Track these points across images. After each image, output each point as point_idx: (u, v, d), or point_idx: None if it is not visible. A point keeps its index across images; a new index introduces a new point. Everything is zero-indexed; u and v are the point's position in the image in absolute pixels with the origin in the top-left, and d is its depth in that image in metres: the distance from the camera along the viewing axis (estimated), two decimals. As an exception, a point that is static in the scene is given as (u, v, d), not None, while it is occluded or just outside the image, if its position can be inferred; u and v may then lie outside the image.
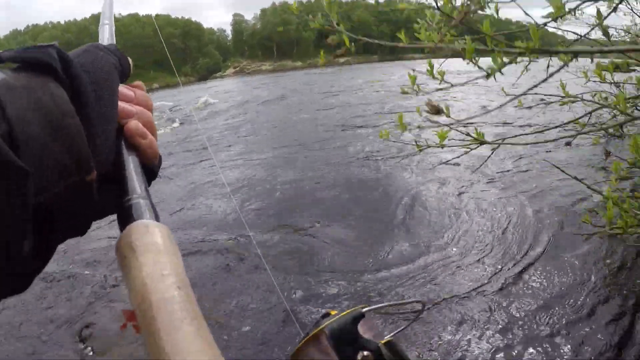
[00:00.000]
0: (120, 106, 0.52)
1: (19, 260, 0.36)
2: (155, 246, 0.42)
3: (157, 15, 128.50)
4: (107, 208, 0.51)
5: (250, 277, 4.43)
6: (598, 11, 2.27)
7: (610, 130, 4.03)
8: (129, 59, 0.58)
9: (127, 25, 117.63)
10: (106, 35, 0.71)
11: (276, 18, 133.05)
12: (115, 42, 0.66)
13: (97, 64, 0.49)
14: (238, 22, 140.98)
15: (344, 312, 0.60)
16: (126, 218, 0.45)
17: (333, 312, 0.65)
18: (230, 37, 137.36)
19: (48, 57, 0.42)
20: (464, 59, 1.84)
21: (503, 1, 2.16)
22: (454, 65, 2.95)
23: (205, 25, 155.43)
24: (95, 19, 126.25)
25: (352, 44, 2.73)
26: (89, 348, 3.72)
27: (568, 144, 6.70)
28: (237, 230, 5.46)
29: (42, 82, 0.40)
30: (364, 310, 0.56)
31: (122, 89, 0.55)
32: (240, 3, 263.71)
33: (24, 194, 0.34)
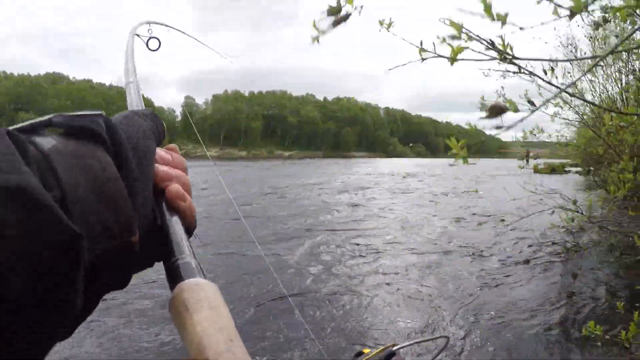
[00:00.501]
0: (161, 169, 0.56)
1: (72, 315, 0.38)
2: (207, 302, 0.45)
3: (110, 86, 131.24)
4: (146, 262, 0.55)
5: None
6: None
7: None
8: (163, 123, 0.61)
9: (81, 90, 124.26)
10: (134, 98, 0.82)
11: (228, 105, 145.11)
12: (143, 104, 0.78)
13: (136, 129, 0.53)
14: (189, 105, 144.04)
15: (377, 350, 0.66)
16: (176, 277, 0.48)
17: (366, 351, 0.69)
18: (179, 118, 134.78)
19: (96, 126, 0.45)
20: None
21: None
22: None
23: (157, 103, 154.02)
24: (49, 78, 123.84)
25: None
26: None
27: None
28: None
29: (91, 149, 0.44)
30: (394, 349, 0.61)
31: (160, 152, 0.58)
32: (193, 86, 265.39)
33: (78, 255, 0.36)
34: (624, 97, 8.78)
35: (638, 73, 8.10)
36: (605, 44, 8.01)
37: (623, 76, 9.05)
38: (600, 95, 9.74)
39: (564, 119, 8.07)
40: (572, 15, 1.46)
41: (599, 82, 9.51)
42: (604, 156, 11.95)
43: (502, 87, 6.39)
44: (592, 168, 18.09)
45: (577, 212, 5.37)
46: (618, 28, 7.19)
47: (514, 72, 5.79)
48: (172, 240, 0.53)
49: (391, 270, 6.87)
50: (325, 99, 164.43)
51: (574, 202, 6.17)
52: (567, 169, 28.59)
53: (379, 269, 6.94)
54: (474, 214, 12.48)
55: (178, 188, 0.57)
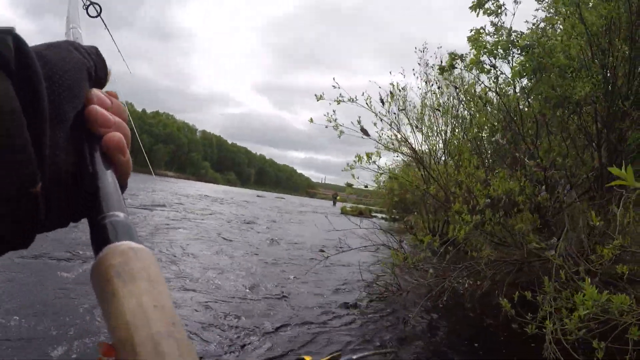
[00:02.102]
0: (100, 113, 0.48)
1: None
2: (145, 273, 0.39)
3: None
4: (59, 220, 0.48)
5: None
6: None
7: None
8: (106, 65, 0.54)
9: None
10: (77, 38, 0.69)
11: None
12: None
13: (64, 60, 0.45)
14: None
15: (326, 358, 0.80)
16: (105, 238, 0.41)
17: (308, 358, 0.90)
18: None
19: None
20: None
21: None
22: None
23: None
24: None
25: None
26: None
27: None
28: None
29: None
30: (355, 357, 0.74)
31: (98, 93, 0.51)
32: None
33: None
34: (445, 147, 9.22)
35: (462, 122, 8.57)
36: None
37: (448, 128, 9.51)
38: (422, 144, 10.13)
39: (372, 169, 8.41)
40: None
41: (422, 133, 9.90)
42: (413, 205, 12.58)
43: (334, 111, 6.48)
44: (396, 216, 19.91)
45: (403, 252, 5.33)
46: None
47: (349, 100, 6.44)
48: (102, 195, 0.45)
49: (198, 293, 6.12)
50: (144, 110, 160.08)
51: (400, 242, 6.25)
52: (373, 213, 30.04)
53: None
54: (292, 242, 12.24)
55: (119, 138, 0.49)
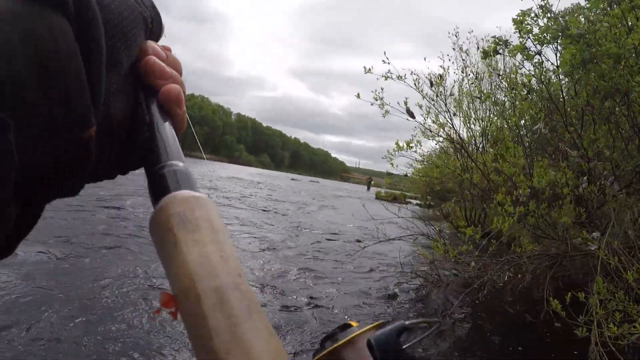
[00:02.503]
0: (157, 64, 0.47)
1: (4, 227, 0.33)
2: (209, 222, 0.38)
3: None
4: (109, 170, 0.46)
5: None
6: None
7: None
8: (161, 18, 0.52)
9: None
10: None
11: None
12: None
13: (121, 6, 0.43)
14: None
15: (376, 323, 0.56)
16: (166, 187, 0.40)
17: (354, 324, 0.61)
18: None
19: None
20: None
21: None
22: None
23: None
24: None
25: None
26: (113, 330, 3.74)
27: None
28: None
29: (40, 10, 0.33)
30: (407, 323, 0.53)
31: (154, 45, 0.49)
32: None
33: (4, 150, 0.29)
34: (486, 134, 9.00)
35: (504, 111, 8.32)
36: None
37: (488, 115, 9.27)
38: (462, 131, 9.89)
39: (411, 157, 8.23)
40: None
41: (460, 120, 9.67)
42: (450, 192, 12.35)
43: (382, 89, 6.26)
44: (431, 202, 19.58)
45: (444, 243, 5.19)
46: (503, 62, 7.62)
47: (397, 77, 6.26)
48: (161, 143, 0.43)
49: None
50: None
51: (439, 232, 6.13)
52: (407, 199, 29.55)
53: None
54: (329, 230, 11.89)
55: (178, 90, 0.48)
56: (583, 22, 4.12)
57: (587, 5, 5.68)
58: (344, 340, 0.65)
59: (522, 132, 6.48)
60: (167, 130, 0.45)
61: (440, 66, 6.97)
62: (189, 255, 0.35)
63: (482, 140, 9.10)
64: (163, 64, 0.48)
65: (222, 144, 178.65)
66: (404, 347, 0.63)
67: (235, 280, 0.35)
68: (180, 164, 0.42)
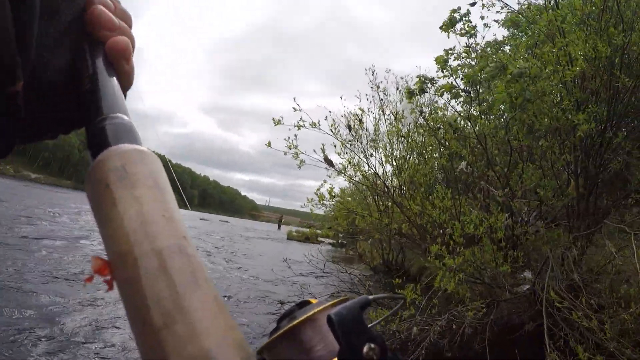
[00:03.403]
0: (104, 15, 0.43)
1: None
2: (153, 179, 0.34)
3: None
4: (48, 129, 0.44)
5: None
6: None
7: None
8: None
9: None
10: None
11: None
12: None
13: None
14: None
15: (338, 299, 0.54)
16: (103, 141, 0.36)
17: (313, 301, 0.57)
18: None
19: None
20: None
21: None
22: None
23: None
24: None
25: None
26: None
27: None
28: None
29: None
30: (371, 297, 0.48)
31: None
32: None
33: None
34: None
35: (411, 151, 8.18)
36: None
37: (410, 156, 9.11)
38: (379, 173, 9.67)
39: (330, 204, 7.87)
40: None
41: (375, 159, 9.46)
42: (362, 231, 12.06)
43: (296, 136, 5.76)
44: (343, 241, 19.41)
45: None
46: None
47: (311, 125, 5.82)
48: (103, 95, 0.40)
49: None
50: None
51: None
52: (320, 238, 29.27)
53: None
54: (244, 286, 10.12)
55: (125, 42, 0.44)
56: (521, 62, 3.96)
57: (508, 40, 5.65)
58: (302, 317, 0.56)
59: (448, 174, 6.30)
60: (111, 84, 0.41)
61: (360, 108, 6.74)
62: (126, 213, 0.31)
63: (399, 182, 8.88)
64: (111, 15, 0.44)
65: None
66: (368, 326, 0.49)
67: (180, 243, 0.31)
68: (125, 117, 0.39)
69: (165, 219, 0.32)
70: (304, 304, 0.62)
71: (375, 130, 9.01)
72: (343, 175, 7.47)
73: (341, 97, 6.94)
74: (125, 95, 0.44)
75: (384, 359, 0.45)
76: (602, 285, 4.03)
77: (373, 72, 7.63)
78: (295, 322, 0.56)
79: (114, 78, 0.42)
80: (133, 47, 0.46)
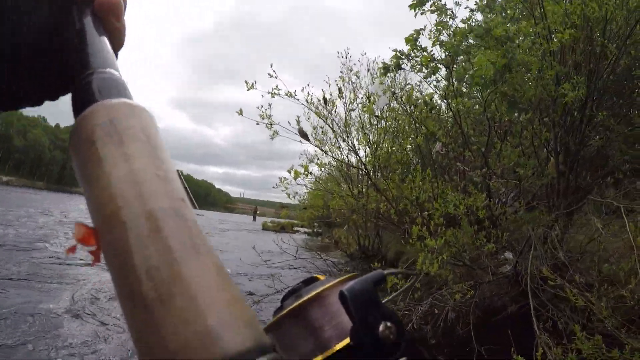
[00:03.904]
0: None
1: None
2: (145, 135, 0.31)
3: None
4: (31, 94, 0.41)
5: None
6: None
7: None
8: None
9: None
10: None
11: None
12: None
13: None
14: None
15: (347, 275, 0.51)
16: (90, 96, 0.33)
17: (321, 277, 0.55)
18: None
19: None
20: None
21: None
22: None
23: None
24: None
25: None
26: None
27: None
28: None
29: None
30: (385, 272, 0.47)
31: None
32: None
33: None
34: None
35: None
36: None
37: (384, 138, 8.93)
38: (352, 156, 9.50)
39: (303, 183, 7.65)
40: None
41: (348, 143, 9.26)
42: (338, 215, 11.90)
43: (270, 105, 5.45)
44: (318, 230, 19.34)
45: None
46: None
47: (287, 94, 5.48)
48: (91, 50, 0.38)
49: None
50: (57, 125, 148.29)
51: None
52: (295, 227, 29.39)
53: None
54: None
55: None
56: (507, 26, 3.79)
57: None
58: (310, 295, 0.50)
59: (425, 156, 6.14)
60: (100, 40, 0.39)
61: (336, 82, 6.44)
62: (115, 172, 0.28)
63: (375, 164, 8.70)
64: None
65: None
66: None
67: (177, 205, 0.28)
68: (115, 72, 0.36)
69: (160, 179, 0.29)
70: (310, 281, 0.59)
71: (346, 114, 8.81)
72: (319, 150, 7.17)
73: (308, 84, 6.49)
74: (116, 56, 0.40)
75: (402, 340, 0.42)
76: (585, 264, 3.94)
77: (347, 55, 7.35)
78: (301, 301, 0.52)
79: (104, 36, 0.40)
80: (125, 4, 0.43)
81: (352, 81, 7.36)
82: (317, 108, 6.10)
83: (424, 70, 5.21)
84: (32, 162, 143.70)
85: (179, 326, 0.24)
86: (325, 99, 5.97)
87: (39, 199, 38.71)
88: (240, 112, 5.03)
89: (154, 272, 0.25)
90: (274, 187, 6.11)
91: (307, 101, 5.85)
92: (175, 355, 0.24)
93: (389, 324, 0.42)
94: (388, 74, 5.65)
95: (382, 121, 7.50)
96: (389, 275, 0.58)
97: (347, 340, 0.45)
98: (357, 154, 7.07)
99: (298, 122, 5.43)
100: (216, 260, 0.28)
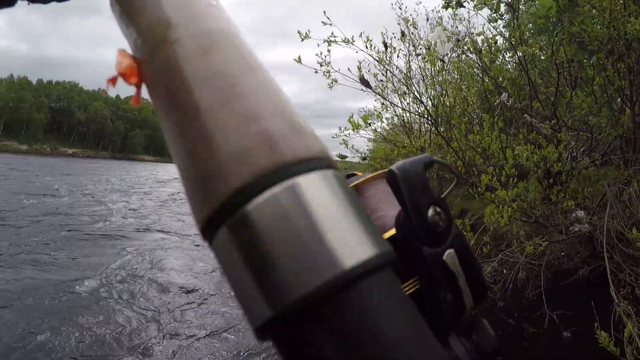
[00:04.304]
0: None
1: None
2: None
3: None
4: None
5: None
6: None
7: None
8: None
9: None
10: None
11: (11, 92, 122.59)
12: None
13: None
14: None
15: (387, 169, 0.46)
16: None
17: (359, 173, 0.54)
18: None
19: None
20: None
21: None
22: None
23: None
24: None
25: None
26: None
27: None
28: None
29: None
30: (434, 157, 0.46)
31: None
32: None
33: None
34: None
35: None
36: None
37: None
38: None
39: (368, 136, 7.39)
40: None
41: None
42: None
43: (329, 51, 5.08)
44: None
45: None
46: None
47: (343, 41, 5.03)
48: None
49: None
50: (117, 97, 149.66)
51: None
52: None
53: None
54: None
55: None
56: None
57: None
58: (353, 184, 0.51)
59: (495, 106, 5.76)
60: None
61: (398, 23, 6.08)
62: None
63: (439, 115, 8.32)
64: None
65: (165, 145, 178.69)
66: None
67: (227, 27, 0.27)
68: None
69: (209, 3, 0.28)
70: (349, 176, 0.59)
71: (407, 65, 8.40)
72: (380, 100, 6.80)
73: (361, 34, 5.90)
74: None
75: (450, 229, 0.41)
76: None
77: (400, 6, 6.91)
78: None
79: None
80: None
81: (411, 32, 6.97)
82: (378, 53, 5.72)
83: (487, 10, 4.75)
84: (95, 134, 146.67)
85: (242, 125, 0.24)
86: (385, 44, 5.57)
87: (99, 167, 41.70)
88: (299, 60, 4.72)
89: (210, 81, 0.24)
90: (332, 137, 5.80)
91: (366, 47, 5.42)
92: (240, 156, 0.23)
93: (438, 208, 0.41)
94: (448, 12, 5.20)
95: (444, 72, 7.09)
96: (436, 161, 0.53)
97: (391, 232, 0.43)
98: (422, 102, 6.68)
99: (359, 68, 5.08)
100: (271, 79, 0.27)
